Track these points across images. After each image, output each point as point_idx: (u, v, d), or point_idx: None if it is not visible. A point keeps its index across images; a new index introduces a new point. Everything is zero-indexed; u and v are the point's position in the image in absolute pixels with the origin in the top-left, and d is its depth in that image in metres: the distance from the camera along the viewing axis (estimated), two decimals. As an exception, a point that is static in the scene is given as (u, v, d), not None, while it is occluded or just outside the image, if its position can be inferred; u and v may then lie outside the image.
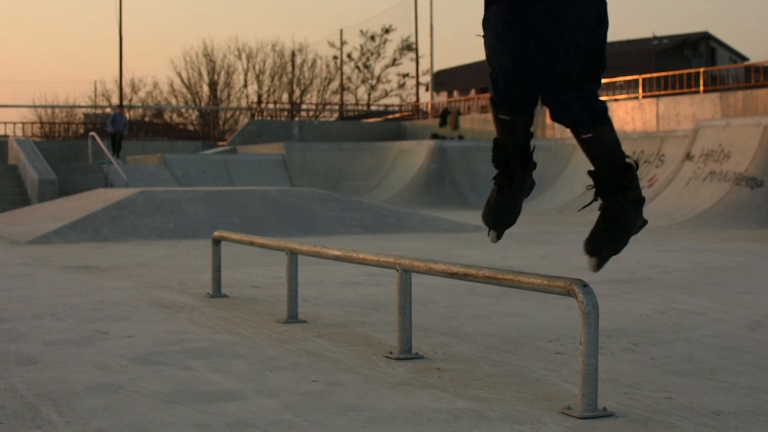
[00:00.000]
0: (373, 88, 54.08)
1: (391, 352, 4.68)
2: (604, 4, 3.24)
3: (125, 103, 48.58)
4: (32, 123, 48.91)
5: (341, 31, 48.16)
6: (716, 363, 4.49)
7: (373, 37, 52.69)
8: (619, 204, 3.46)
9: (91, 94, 63.38)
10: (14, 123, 39.37)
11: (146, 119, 58.67)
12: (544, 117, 27.09)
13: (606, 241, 3.50)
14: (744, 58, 61.32)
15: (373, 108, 46.38)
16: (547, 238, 12.69)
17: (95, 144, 29.36)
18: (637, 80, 26.94)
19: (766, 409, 3.64)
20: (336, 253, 5.25)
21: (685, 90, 25.42)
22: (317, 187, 23.03)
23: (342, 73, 48.27)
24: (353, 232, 13.47)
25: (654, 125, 23.42)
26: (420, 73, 43.07)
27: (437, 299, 6.68)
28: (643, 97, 25.61)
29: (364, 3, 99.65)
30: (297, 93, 55.13)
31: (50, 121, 56.14)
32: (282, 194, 14.81)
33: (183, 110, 58.25)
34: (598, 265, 3.59)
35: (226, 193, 14.54)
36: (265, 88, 55.91)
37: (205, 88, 56.62)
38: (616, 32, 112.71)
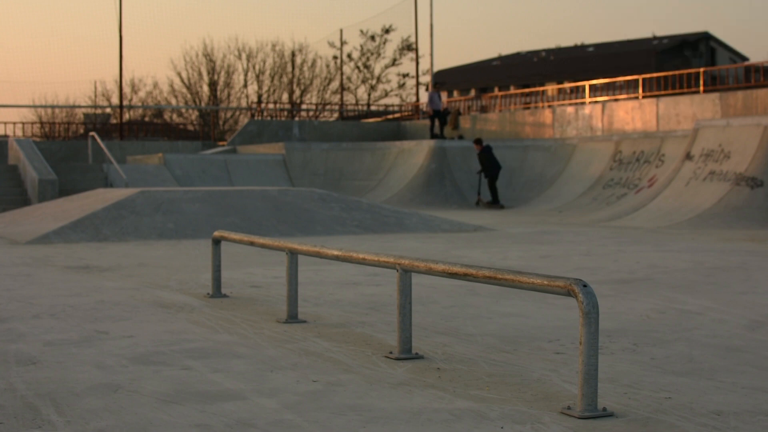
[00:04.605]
0: (373, 88, 54.06)
1: (391, 352, 4.69)
2: None
3: (125, 103, 48.58)
4: (32, 123, 48.88)
5: (341, 31, 48.09)
6: (716, 363, 4.49)
7: (373, 37, 52.65)
8: None
9: (91, 94, 63.40)
10: (14, 123, 39.25)
11: (146, 119, 58.67)
12: (543, 116, 27.10)
13: None
14: (744, 58, 61.33)
15: (373, 108, 46.36)
16: (547, 238, 12.69)
17: (95, 144, 29.37)
18: (637, 80, 26.94)
19: (766, 409, 3.64)
20: (336, 253, 5.26)
21: (685, 90, 25.42)
22: (317, 187, 23.02)
23: (342, 73, 48.23)
24: (353, 232, 13.47)
25: (654, 125, 23.42)
26: (420, 73, 43.04)
27: (437, 299, 6.68)
28: (643, 97, 25.61)
29: (364, 3, 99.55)
30: (297, 93, 55.12)
31: (50, 121, 56.13)
32: (282, 194, 14.81)
33: (183, 110, 58.22)
34: None
35: (226, 193, 14.54)
36: (265, 88, 55.90)
37: (205, 88, 56.60)
38: (616, 32, 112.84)
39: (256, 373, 4.27)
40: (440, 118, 28.53)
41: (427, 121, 29.52)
